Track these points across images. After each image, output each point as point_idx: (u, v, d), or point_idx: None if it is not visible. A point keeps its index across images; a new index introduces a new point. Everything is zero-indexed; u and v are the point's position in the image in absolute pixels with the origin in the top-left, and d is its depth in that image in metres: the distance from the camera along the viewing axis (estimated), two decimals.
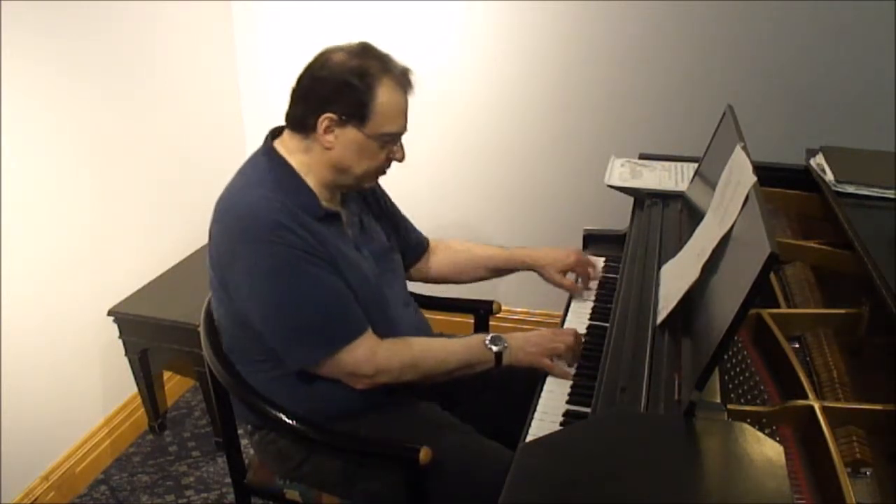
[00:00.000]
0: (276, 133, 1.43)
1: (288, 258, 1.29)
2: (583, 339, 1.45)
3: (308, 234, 1.31)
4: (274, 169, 1.37)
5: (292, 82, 1.39)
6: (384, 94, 1.32)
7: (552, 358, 1.39)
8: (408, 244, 1.68)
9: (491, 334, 1.43)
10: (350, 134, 1.34)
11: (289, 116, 1.39)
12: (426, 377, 1.41)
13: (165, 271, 2.44)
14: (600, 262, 1.80)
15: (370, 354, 1.35)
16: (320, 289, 1.33)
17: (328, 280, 1.34)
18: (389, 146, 1.38)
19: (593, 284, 1.71)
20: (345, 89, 1.31)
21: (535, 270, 1.72)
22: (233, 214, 1.33)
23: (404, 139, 1.42)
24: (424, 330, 1.59)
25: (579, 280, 1.72)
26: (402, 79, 1.36)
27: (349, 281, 1.37)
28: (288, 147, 1.39)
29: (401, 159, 1.42)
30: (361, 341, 1.35)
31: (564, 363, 1.40)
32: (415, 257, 1.72)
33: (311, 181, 1.38)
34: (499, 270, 1.76)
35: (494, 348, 1.40)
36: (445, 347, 1.43)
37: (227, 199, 1.37)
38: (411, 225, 1.71)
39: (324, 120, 1.33)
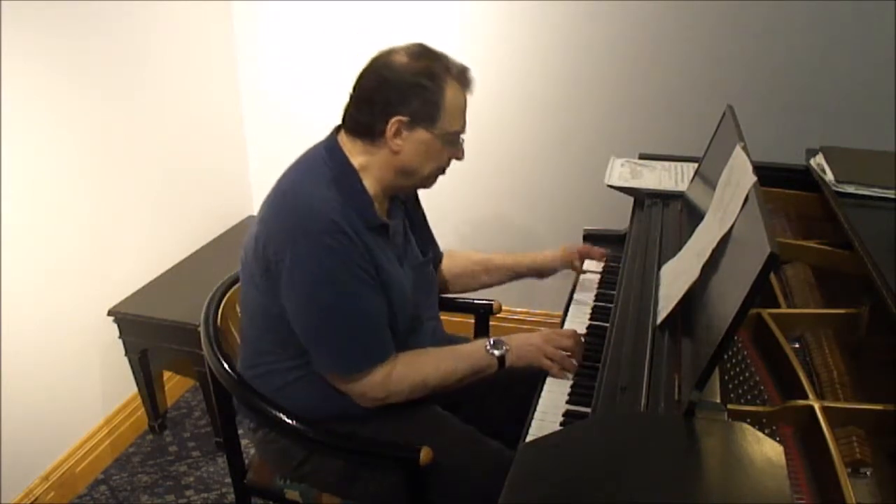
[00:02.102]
0: (339, 128, 1.40)
1: (337, 263, 1.28)
2: (583, 340, 1.45)
3: (360, 242, 1.30)
4: (335, 167, 1.35)
5: (350, 86, 1.36)
6: (451, 94, 1.33)
7: (552, 358, 1.38)
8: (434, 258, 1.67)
9: (491, 339, 1.43)
10: (419, 135, 1.32)
11: (352, 121, 1.36)
12: (435, 391, 1.41)
13: (165, 271, 2.44)
14: (600, 262, 1.80)
15: (384, 380, 1.35)
16: (361, 304, 1.32)
17: (370, 297, 1.32)
18: (453, 145, 1.38)
19: (594, 287, 1.71)
20: (415, 91, 1.30)
21: (537, 273, 1.72)
22: (289, 206, 1.31)
23: None
24: (443, 338, 1.58)
25: (577, 287, 1.72)
26: (463, 77, 1.37)
27: (389, 295, 1.36)
28: (349, 148, 1.37)
29: (461, 158, 1.42)
30: (382, 367, 1.35)
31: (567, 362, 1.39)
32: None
33: (369, 184, 1.36)
34: (502, 278, 1.76)
35: (496, 353, 1.40)
36: (453, 359, 1.42)
37: (284, 188, 1.35)
38: (434, 239, 1.70)
39: (394, 123, 1.31)
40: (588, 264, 1.76)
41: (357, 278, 1.30)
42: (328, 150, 1.37)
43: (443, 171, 1.42)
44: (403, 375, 1.37)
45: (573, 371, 1.37)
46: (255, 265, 1.35)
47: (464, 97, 1.37)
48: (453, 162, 1.43)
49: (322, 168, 1.34)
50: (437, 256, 1.71)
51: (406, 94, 1.30)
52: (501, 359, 1.40)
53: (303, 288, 1.30)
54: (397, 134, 1.32)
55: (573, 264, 1.73)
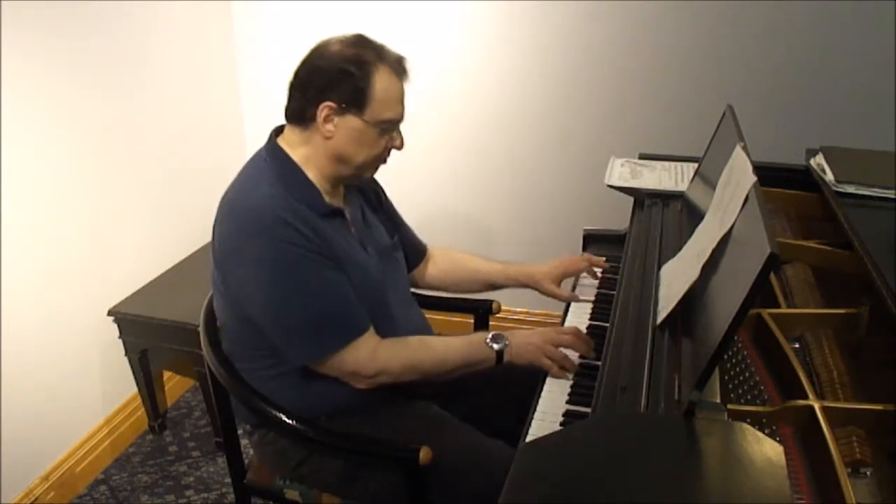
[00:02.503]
0: (279, 131, 1.44)
1: (292, 255, 1.30)
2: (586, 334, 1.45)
3: (311, 232, 1.32)
4: (277, 165, 1.38)
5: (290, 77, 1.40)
6: (381, 81, 1.34)
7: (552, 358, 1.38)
8: (406, 247, 1.68)
9: (492, 332, 1.43)
10: (350, 122, 1.34)
11: (288, 110, 1.41)
12: (427, 376, 1.41)
13: (165, 271, 2.44)
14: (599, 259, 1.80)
15: (371, 354, 1.36)
16: (323, 287, 1.33)
17: (332, 278, 1.34)
18: (388, 134, 1.39)
19: (593, 286, 1.71)
20: (342, 77, 1.32)
21: (530, 286, 1.71)
22: (237, 211, 1.34)
23: (405, 132, 1.43)
24: (425, 330, 1.59)
25: (577, 287, 1.71)
26: (398, 66, 1.38)
27: (353, 279, 1.37)
28: (289, 142, 1.40)
29: (400, 147, 1.43)
30: (363, 341, 1.36)
31: (574, 358, 1.39)
32: (412, 263, 1.71)
33: (312, 175, 1.39)
34: (494, 286, 1.76)
35: (495, 346, 1.41)
36: (446, 346, 1.43)
37: (231, 196, 1.38)
38: (410, 229, 1.72)
39: (323, 109, 1.34)
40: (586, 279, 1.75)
41: (315, 262, 1.32)
42: (268, 152, 1.41)
43: (383, 160, 1.44)
44: (393, 353, 1.38)
45: (573, 371, 1.37)
46: (216, 274, 1.39)
47: (398, 86, 1.38)
48: (454, 161, 1.44)
49: (263, 168, 1.38)
50: (420, 248, 1.73)
51: (334, 80, 1.33)
52: (500, 353, 1.40)
53: (259, 286, 1.32)
54: (328, 120, 1.34)
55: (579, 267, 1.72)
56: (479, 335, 1.44)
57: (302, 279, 1.31)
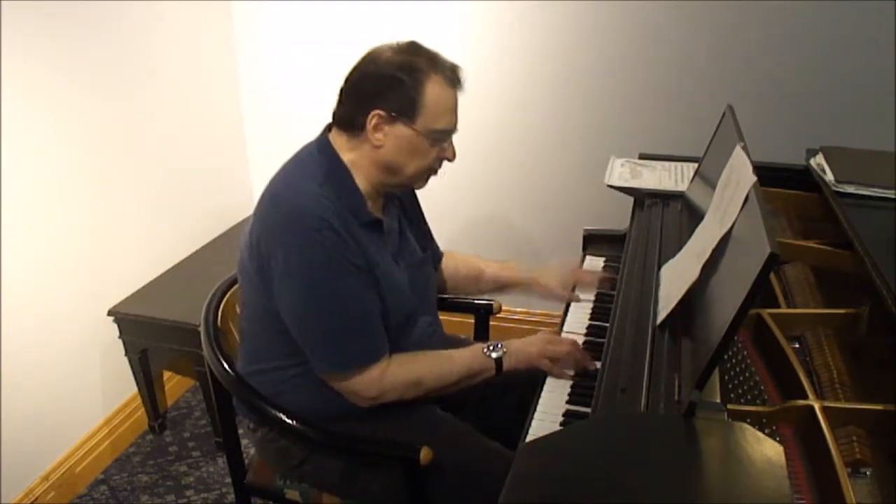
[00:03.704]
0: (331, 127, 1.41)
1: (327, 259, 1.28)
2: (582, 347, 1.44)
3: (352, 240, 1.30)
4: (326, 163, 1.35)
5: (340, 82, 1.37)
6: (433, 90, 1.31)
7: (551, 358, 1.38)
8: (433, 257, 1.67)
9: (489, 342, 1.42)
10: (400, 131, 1.32)
11: (337, 115, 1.37)
12: (430, 392, 1.41)
13: (165, 271, 2.44)
14: (599, 262, 1.80)
15: (378, 379, 1.35)
16: (353, 301, 1.32)
17: (362, 293, 1.32)
18: (440, 144, 1.36)
19: (593, 286, 1.71)
20: (393, 85, 1.29)
21: (532, 286, 1.71)
22: (284, 205, 1.31)
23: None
24: (444, 345, 1.56)
25: (576, 287, 1.71)
26: (451, 75, 1.35)
27: (383, 292, 1.36)
28: (338, 144, 1.37)
29: (452, 158, 1.40)
30: (376, 365, 1.35)
31: (565, 365, 1.39)
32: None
33: (359, 181, 1.36)
34: (497, 288, 1.76)
35: (494, 355, 1.40)
36: (448, 361, 1.41)
37: (279, 188, 1.35)
38: (432, 235, 1.69)
39: (373, 117, 1.31)
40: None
41: (348, 274, 1.30)
42: (319, 149, 1.37)
43: (434, 172, 1.41)
44: (397, 375, 1.37)
45: (567, 378, 1.36)
46: (251, 264, 1.36)
47: (451, 95, 1.35)
48: (455, 161, 1.42)
49: (313, 166, 1.35)
50: (437, 256, 1.71)
51: (384, 88, 1.30)
52: (499, 361, 1.40)
53: (294, 286, 1.31)
54: (378, 128, 1.32)
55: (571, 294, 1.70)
56: (477, 346, 1.43)
57: (335, 289, 1.30)
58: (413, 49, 1.34)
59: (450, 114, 1.35)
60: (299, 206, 1.29)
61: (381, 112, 1.30)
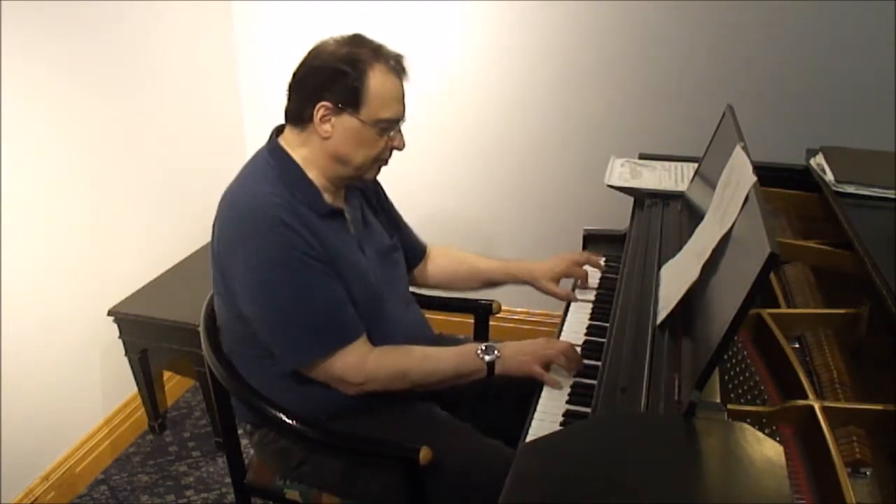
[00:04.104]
0: (280, 130, 1.44)
1: (287, 257, 1.30)
2: (578, 350, 1.42)
3: (309, 234, 1.31)
4: (277, 164, 1.38)
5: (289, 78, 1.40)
6: (377, 80, 1.33)
7: (548, 367, 1.37)
8: (406, 246, 1.67)
9: (485, 343, 1.41)
10: (347, 122, 1.34)
11: (286, 110, 1.41)
12: (416, 386, 1.40)
13: (165, 271, 2.44)
14: (599, 262, 1.80)
15: (360, 362, 1.35)
16: (316, 291, 1.33)
17: (325, 283, 1.34)
18: (387, 133, 1.38)
19: (593, 283, 1.71)
20: (337, 76, 1.32)
21: (529, 283, 1.71)
22: (237, 210, 1.34)
23: (406, 132, 1.42)
24: (424, 330, 1.59)
25: (577, 286, 1.71)
26: (395, 64, 1.37)
27: (349, 281, 1.37)
28: (289, 142, 1.40)
29: (401, 147, 1.41)
30: (353, 348, 1.35)
31: (562, 373, 1.37)
32: (412, 262, 1.71)
33: (313, 175, 1.39)
34: (494, 284, 1.76)
35: (486, 358, 1.38)
36: (437, 357, 1.41)
37: (231, 194, 1.38)
38: (409, 228, 1.71)
39: (319, 108, 1.33)
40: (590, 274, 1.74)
41: (306, 266, 1.31)
42: (270, 151, 1.40)
43: (384, 161, 1.43)
44: (382, 362, 1.37)
45: (560, 387, 1.34)
46: (215, 272, 1.39)
47: (395, 84, 1.36)
48: (454, 161, 1.43)
49: (265, 168, 1.38)
50: (419, 248, 1.72)
51: (328, 80, 1.33)
52: (491, 365, 1.38)
53: (255, 288, 1.33)
54: (324, 120, 1.34)
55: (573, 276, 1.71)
56: (472, 346, 1.42)
57: (296, 282, 1.31)
58: (356, 41, 1.36)
59: (395, 103, 1.37)
60: (251, 207, 1.31)
61: (327, 104, 1.33)
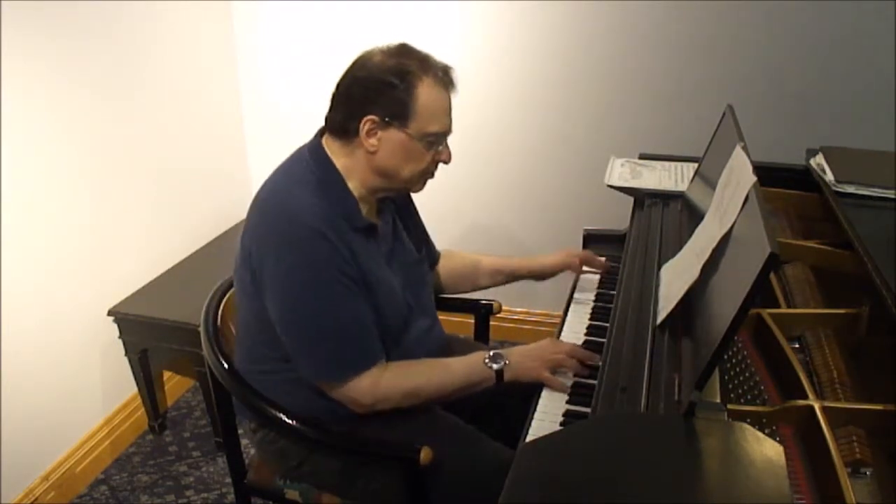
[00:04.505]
0: (324, 131, 1.39)
1: (318, 268, 1.27)
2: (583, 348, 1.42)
3: (345, 249, 1.29)
4: (319, 170, 1.34)
5: (333, 87, 1.36)
6: (425, 93, 1.29)
7: (553, 371, 1.36)
8: (429, 257, 1.66)
9: (491, 352, 1.40)
10: (393, 136, 1.31)
11: (330, 121, 1.36)
12: (428, 402, 1.40)
13: (165, 271, 2.44)
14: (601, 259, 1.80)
15: (373, 387, 1.34)
16: (343, 311, 1.31)
17: (353, 303, 1.32)
18: (434, 147, 1.35)
19: (594, 285, 1.71)
20: (385, 89, 1.28)
21: (530, 271, 1.72)
22: (276, 214, 1.31)
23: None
24: (442, 346, 1.56)
25: (576, 287, 1.71)
26: (444, 77, 1.33)
27: (377, 298, 1.35)
28: (332, 149, 1.36)
29: (447, 161, 1.38)
30: (369, 373, 1.34)
31: (568, 375, 1.36)
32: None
33: (352, 185, 1.35)
34: (496, 277, 1.75)
35: (495, 366, 1.38)
36: (447, 371, 1.40)
37: (271, 194, 1.34)
38: (428, 235, 1.69)
39: (366, 122, 1.30)
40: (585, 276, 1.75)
41: (340, 284, 1.29)
42: (311, 154, 1.36)
43: (430, 175, 1.40)
44: (394, 383, 1.36)
45: (566, 391, 1.33)
46: (244, 271, 1.36)
47: (444, 97, 1.33)
48: (454, 161, 1.41)
49: (305, 172, 1.34)
50: (433, 256, 1.70)
51: (375, 93, 1.29)
52: (499, 372, 1.38)
53: (285, 296, 1.31)
54: (371, 134, 1.31)
55: (574, 267, 1.72)
56: (479, 356, 1.41)
57: (326, 299, 1.29)
58: (404, 51, 1.32)
59: (443, 116, 1.34)
60: (291, 214, 1.29)
61: (374, 117, 1.29)
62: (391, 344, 1.40)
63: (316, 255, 1.27)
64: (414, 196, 1.57)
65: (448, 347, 1.56)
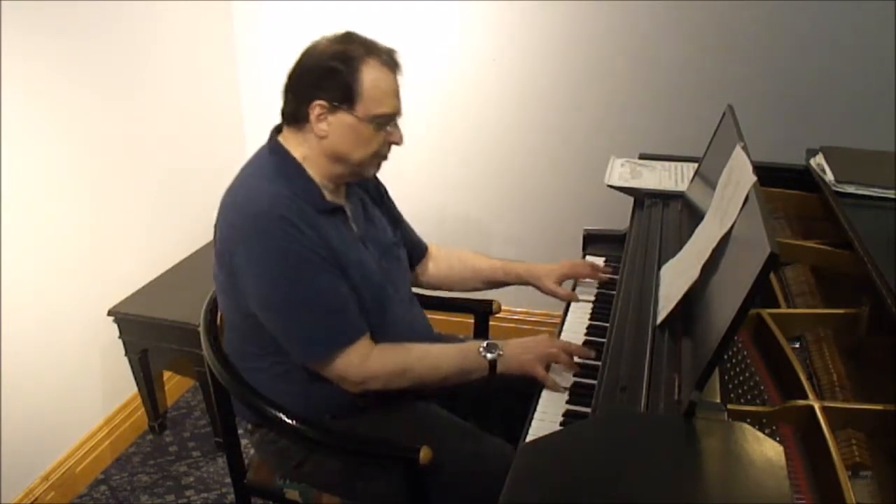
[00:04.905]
0: (279, 129, 1.44)
1: (289, 251, 1.29)
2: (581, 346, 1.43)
3: (311, 231, 1.31)
4: (278, 162, 1.38)
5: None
6: (370, 75, 1.33)
7: (549, 367, 1.37)
8: (407, 244, 1.67)
9: (487, 341, 1.41)
10: (342, 119, 1.34)
11: (283, 112, 1.41)
12: (418, 384, 1.40)
13: (165, 271, 2.44)
14: (599, 262, 1.80)
15: (362, 360, 1.35)
16: (320, 288, 1.33)
17: (329, 280, 1.34)
18: (384, 129, 1.37)
19: (593, 286, 1.70)
20: (330, 74, 1.32)
21: (531, 283, 1.71)
22: (239, 208, 1.34)
23: (406, 132, 1.41)
24: (425, 328, 1.59)
25: (576, 287, 1.71)
26: (388, 59, 1.36)
27: (352, 277, 1.37)
28: (289, 141, 1.40)
29: (399, 142, 1.41)
30: (356, 347, 1.35)
31: (561, 372, 1.37)
32: (413, 261, 1.71)
33: (313, 173, 1.39)
34: (496, 283, 1.76)
35: (488, 356, 1.39)
36: (439, 354, 1.41)
37: (232, 192, 1.38)
38: (409, 226, 1.71)
39: (314, 107, 1.33)
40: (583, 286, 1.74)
41: (312, 264, 1.31)
42: (270, 149, 1.41)
43: (383, 157, 1.42)
44: (384, 360, 1.37)
45: (561, 390, 1.34)
46: (220, 270, 1.39)
47: (390, 79, 1.36)
48: (455, 161, 1.42)
49: (266, 165, 1.38)
50: (420, 247, 1.72)
51: (322, 79, 1.33)
52: (493, 363, 1.38)
53: (261, 283, 1.33)
54: (320, 119, 1.34)
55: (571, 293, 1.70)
56: (474, 343, 1.42)
57: (301, 279, 1.31)
58: (347, 38, 1.36)
59: (391, 97, 1.36)
60: (255, 204, 1.31)
61: (323, 102, 1.33)
62: (371, 322, 1.40)
63: (284, 240, 1.29)
64: (414, 195, 1.57)
65: (438, 340, 1.57)
